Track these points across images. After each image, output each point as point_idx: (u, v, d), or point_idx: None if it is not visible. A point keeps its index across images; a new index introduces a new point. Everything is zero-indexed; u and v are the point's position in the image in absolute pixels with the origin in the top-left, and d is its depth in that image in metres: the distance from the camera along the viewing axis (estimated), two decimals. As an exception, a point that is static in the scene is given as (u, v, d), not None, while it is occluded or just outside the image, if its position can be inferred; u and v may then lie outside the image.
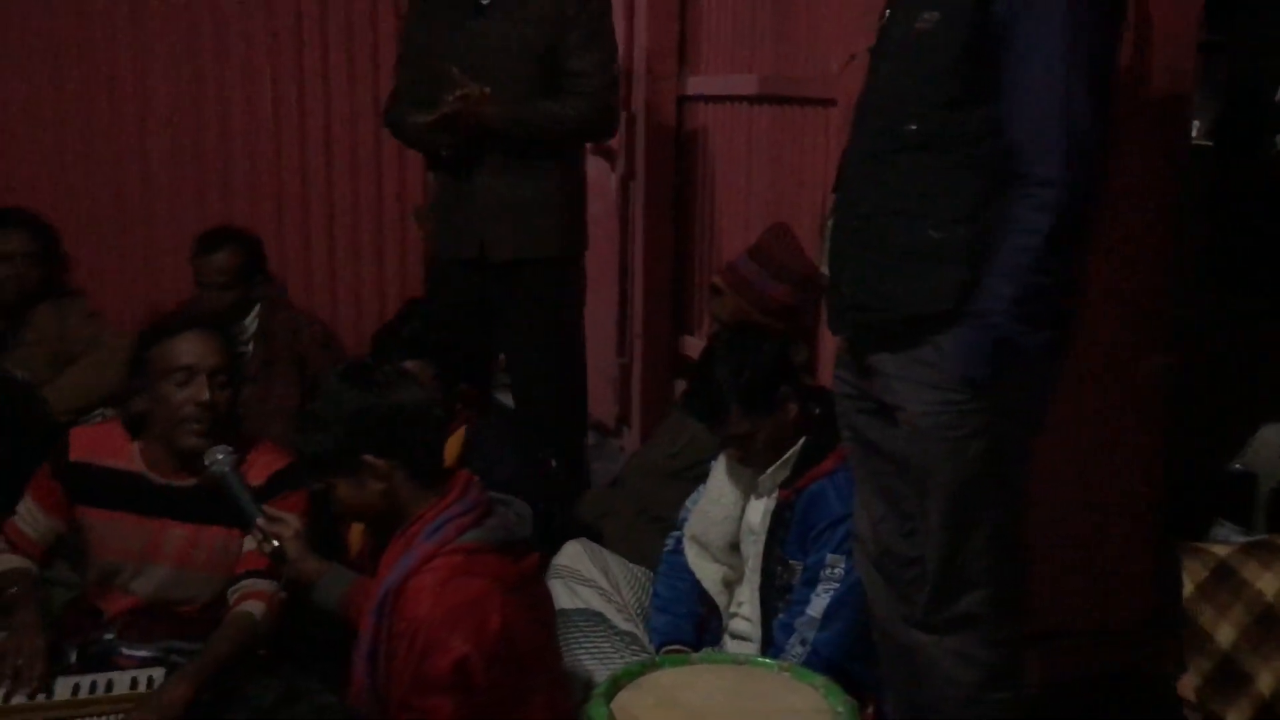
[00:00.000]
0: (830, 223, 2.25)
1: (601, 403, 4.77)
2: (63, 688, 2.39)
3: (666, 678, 1.93)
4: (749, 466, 2.67)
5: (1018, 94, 1.91)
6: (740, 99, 3.73)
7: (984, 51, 1.93)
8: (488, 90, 3.15)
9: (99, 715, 2.28)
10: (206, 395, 2.53)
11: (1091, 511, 2.90)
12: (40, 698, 2.35)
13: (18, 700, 2.34)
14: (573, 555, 2.90)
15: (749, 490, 2.71)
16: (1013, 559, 2.18)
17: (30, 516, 2.68)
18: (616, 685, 1.89)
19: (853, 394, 2.24)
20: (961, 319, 1.97)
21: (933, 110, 1.97)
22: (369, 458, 2.11)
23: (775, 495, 2.63)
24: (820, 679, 1.96)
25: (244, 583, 2.58)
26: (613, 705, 1.82)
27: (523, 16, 3.28)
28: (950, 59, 1.94)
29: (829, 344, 2.90)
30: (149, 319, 3.47)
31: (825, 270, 2.30)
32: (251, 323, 3.72)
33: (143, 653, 2.57)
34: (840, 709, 1.86)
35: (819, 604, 2.50)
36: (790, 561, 2.59)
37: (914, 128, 1.99)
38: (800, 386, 2.66)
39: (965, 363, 1.97)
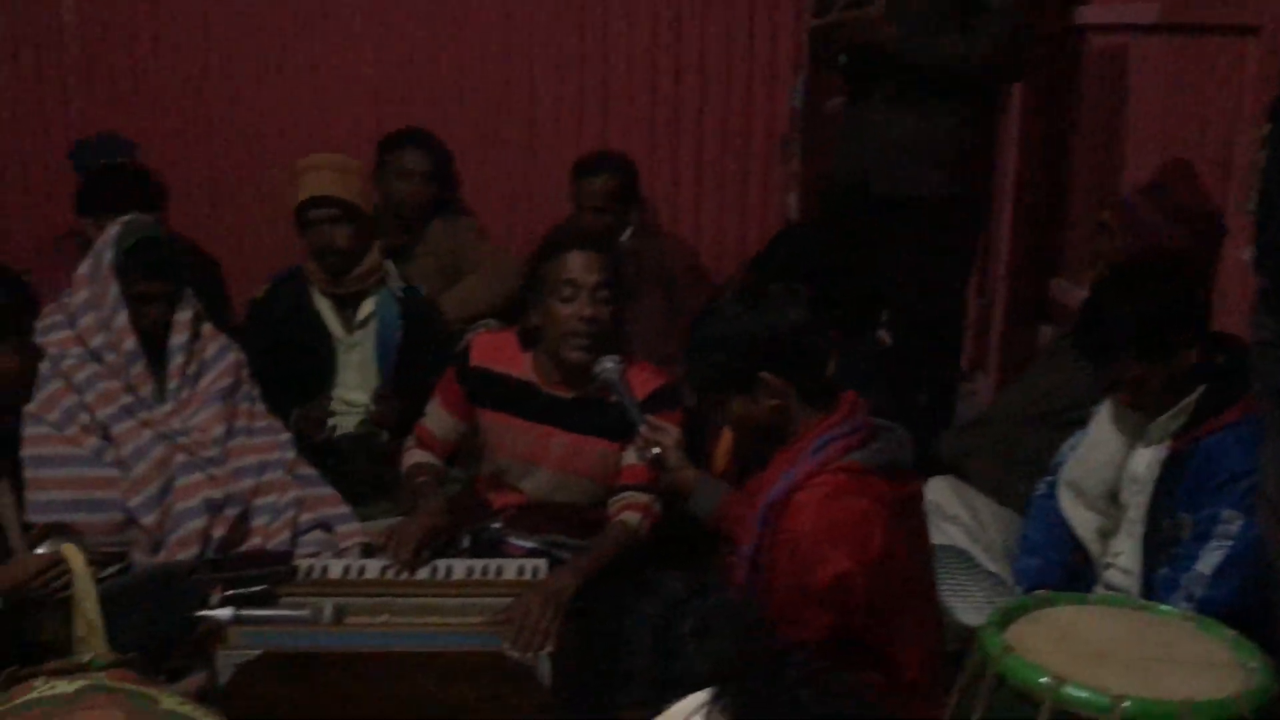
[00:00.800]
0: (1261, 155, 2.08)
1: (955, 344, 4.66)
2: (459, 569, 2.59)
3: (1062, 614, 1.88)
4: (1138, 412, 2.55)
5: None
6: (1137, 28, 3.51)
7: None
8: (873, 7, 3.08)
9: (489, 596, 2.44)
10: (589, 310, 2.66)
11: None
12: (403, 575, 2.54)
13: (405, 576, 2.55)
14: (940, 491, 2.87)
15: (1135, 437, 2.59)
16: None
17: (436, 416, 2.91)
18: (1008, 617, 1.86)
19: (1275, 341, 2.08)
20: None
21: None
22: (766, 375, 2.15)
23: (1166, 444, 2.49)
24: (1230, 632, 1.86)
25: (624, 494, 2.71)
26: (1006, 635, 1.79)
27: None
28: None
29: (1231, 290, 2.71)
30: (541, 238, 3.69)
31: (1252, 208, 2.14)
32: (623, 246, 3.85)
33: (528, 544, 2.75)
34: (1253, 664, 1.75)
35: (1210, 560, 2.36)
36: (1179, 515, 2.45)
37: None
38: (1202, 331, 2.51)
39: None
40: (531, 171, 4.31)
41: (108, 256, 2.92)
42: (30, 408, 2.75)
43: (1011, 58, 3.22)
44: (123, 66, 4.27)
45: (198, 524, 2.77)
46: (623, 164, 3.85)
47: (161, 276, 2.95)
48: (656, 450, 2.53)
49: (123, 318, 2.92)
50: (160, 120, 4.29)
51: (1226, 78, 3.02)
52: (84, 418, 2.87)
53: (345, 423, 3.43)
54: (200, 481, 2.85)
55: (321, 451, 3.34)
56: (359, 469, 3.34)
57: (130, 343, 2.93)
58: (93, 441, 2.86)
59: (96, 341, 2.92)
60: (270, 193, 4.26)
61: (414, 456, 2.91)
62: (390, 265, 3.47)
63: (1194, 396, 2.47)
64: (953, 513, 2.84)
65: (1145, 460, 2.55)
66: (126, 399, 2.91)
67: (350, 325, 3.45)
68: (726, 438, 2.96)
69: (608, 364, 2.63)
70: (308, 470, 3.06)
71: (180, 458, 2.87)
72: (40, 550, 2.32)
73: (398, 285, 3.46)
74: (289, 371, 3.38)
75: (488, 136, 4.30)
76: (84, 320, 2.92)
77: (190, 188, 4.22)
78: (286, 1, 4.26)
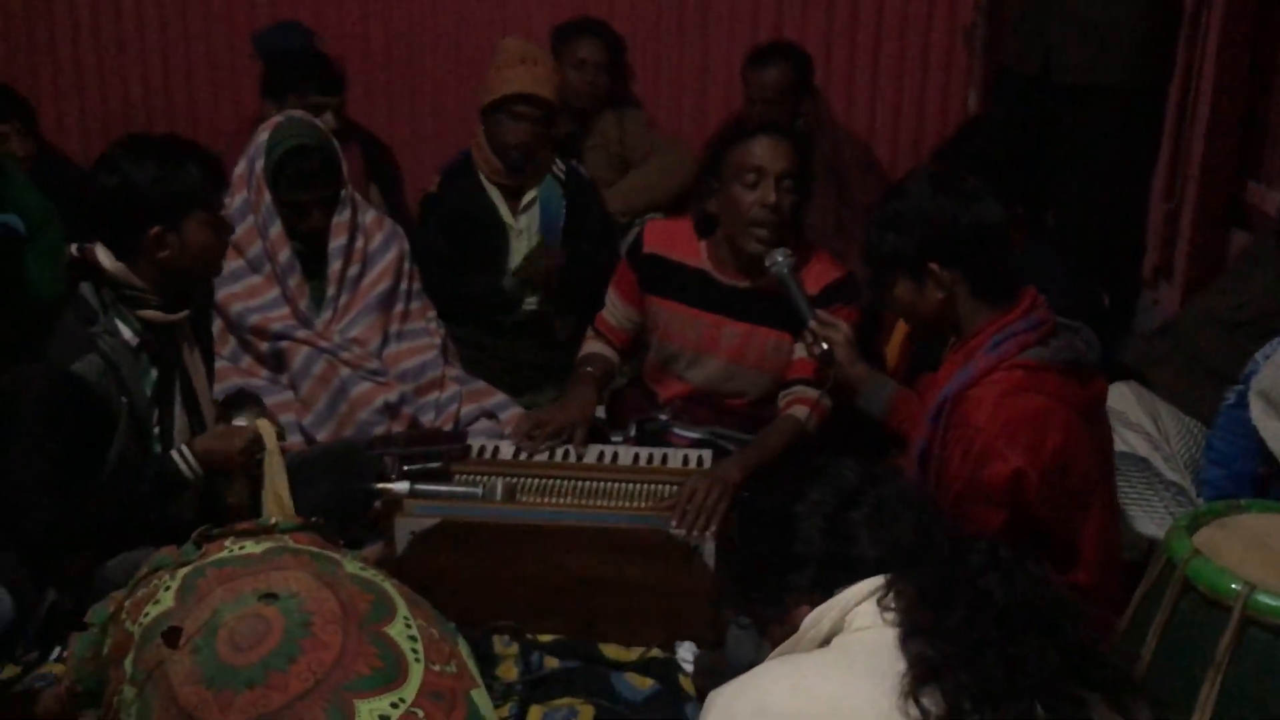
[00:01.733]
0: None
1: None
2: (625, 455, 2.61)
3: (1253, 521, 1.80)
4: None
5: None
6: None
7: None
8: None
9: (655, 483, 2.46)
10: (773, 198, 2.61)
11: None
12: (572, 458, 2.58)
13: (573, 459, 2.59)
14: (1121, 398, 2.76)
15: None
16: None
17: (613, 305, 2.93)
18: (1196, 521, 1.79)
19: None
20: None
21: None
22: (934, 266, 2.09)
23: (1374, 353, 2.35)
24: None
25: (793, 389, 2.69)
26: (1194, 539, 1.72)
27: None
28: None
29: None
30: (713, 129, 3.62)
31: None
32: (800, 124, 3.74)
33: (693, 434, 2.76)
34: None
35: None
36: (1384, 429, 2.32)
37: None
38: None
39: None
40: (704, 62, 4.21)
41: (259, 164, 2.89)
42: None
43: None
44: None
45: (381, 429, 2.86)
46: (797, 55, 3.76)
47: (315, 184, 2.90)
48: (825, 346, 2.49)
49: (277, 227, 2.91)
50: (338, 7, 4.33)
51: None
52: (253, 350, 2.94)
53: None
54: (373, 388, 2.93)
55: (493, 335, 3.42)
56: (528, 354, 3.41)
57: (285, 253, 2.93)
58: (266, 372, 2.95)
59: (253, 251, 2.93)
60: (444, 81, 4.30)
61: (587, 347, 2.95)
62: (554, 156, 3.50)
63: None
64: (1134, 420, 2.74)
65: (1350, 370, 2.41)
66: (283, 313, 2.94)
67: (516, 211, 3.48)
68: (899, 332, 2.91)
69: (778, 256, 2.60)
70: (457, 372, 3.12)
71: (344, 371, 2.93)
72: (239, 422, 2.42)
73: (559, 169, 3.48)
74: (463, 259, 3.45)
75: (660, 26, 4.21)
76: (241, 228, 2.91)
77: (365, 75, 4.27)
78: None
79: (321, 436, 2.90)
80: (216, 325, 2.92)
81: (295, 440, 2.87)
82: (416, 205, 3.73)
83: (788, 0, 4.12)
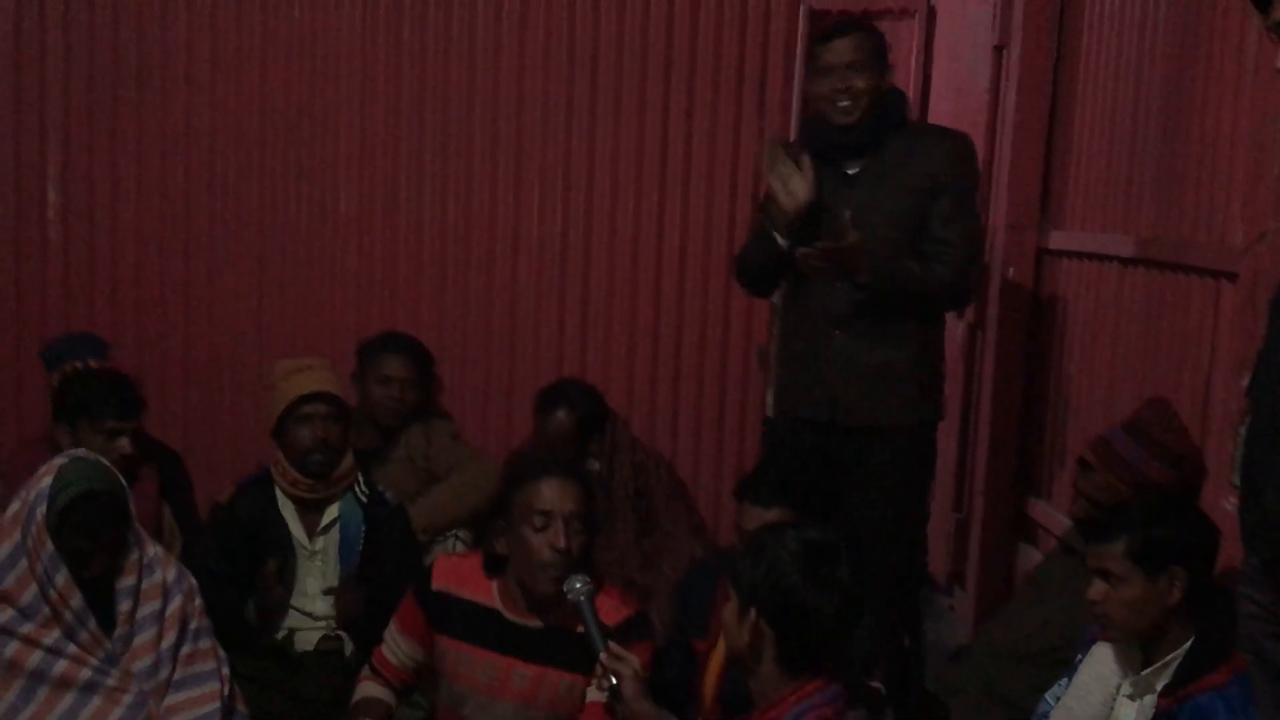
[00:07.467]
0: (1243, 429, 2.06)
1: (934, 558, 4.62)
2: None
3: None
4: (1108, 631, 2.48)
5: None
6: (1111, 259, 3.55)
7: None
8: (852, 236, 3.13)
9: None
10: (563, 541, 2.60)
11: None
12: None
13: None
14: (919, 736, 2.77)
15: (1120, 688, 2.51)
16: None
17: (394, 641, 2.82)
18: None
19: (1263, 616, 2.03)
20: None
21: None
22: (754, 612, 2.12)
23: (1153, 702, 2.42)
24: None
25: None
26: None
27: (894, 185, 3.27)
28: None
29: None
30: (511, 459, 3.61)
31: (1235, 481, 2.11)
32: (593, 463, 3.76)
33: (483, 788, 2.62)
34: None
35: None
36: (1169, 776, 2.36)
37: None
38: (1198, 574, 2.43)
39: None
40: (512, 379, 4.25)
41: (40, 511, 2.62)
42: None
43: (965, 286, 3.33)
44: (104, 266, 4.25)
45: None
46: (583, 397, 3.79)
47: (103, 531, 2.68)
48: (614, 681, 2.44)
49: (63, 574, 2.63)
50: (137, 320, 4.25)
51: (1205, 320, 2.97)
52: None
53: (307, 638, 3.33)
54: None
55: (281, 668, 3.24)
56: (319, 687, 3.22)
57: (77, 600, 2.65)
58: None
59: (26, 598, 2.63)
60: (244, 395, 4.23)
61: (363, 690, 2.84)
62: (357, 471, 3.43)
63: (1181, 650, 2.41)
64: (933, 759, 2.74)
65: (1132, 714, 2.47)
66: (77, 671, 2.66)
67: (313, 532, 3.37)
68: (716, 661, 2.85)
69: (576, 583, 2.57)
70: None
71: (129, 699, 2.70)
72: None
73: (362, 491, 3.40)
74: (250, 576, 3.28)
75: (470, 342, 4.26)
76: (10, 575, 2.62)
77: (163, 384, 4.17)
78: (269, 203, 4.26)
79: None
80: None
81: None
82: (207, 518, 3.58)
83: (592, 318, 4.23)
